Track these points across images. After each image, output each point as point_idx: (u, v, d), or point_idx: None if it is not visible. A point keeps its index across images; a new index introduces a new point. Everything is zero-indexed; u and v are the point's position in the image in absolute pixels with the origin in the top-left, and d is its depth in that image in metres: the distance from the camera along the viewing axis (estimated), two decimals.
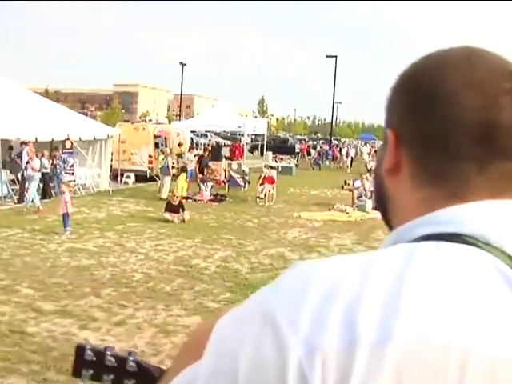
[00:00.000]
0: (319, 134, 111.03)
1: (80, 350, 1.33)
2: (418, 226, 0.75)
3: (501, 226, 0.72)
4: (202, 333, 0.78)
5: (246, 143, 35.13)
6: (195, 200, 18.81)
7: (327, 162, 42.94)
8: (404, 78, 0.84)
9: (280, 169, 28.18)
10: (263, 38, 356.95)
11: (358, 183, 20.96)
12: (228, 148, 32.03)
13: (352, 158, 42.07)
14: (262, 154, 36.45)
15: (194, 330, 1.00)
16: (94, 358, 1.31)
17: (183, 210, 14.89)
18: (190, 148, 25.65)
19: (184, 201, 15.97)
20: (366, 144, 63.78)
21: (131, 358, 1.31)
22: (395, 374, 0.62)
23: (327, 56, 53.05)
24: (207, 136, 41.42)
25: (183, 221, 14.60)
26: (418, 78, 0.81)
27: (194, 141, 33.27)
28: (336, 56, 51.82)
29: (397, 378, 0.62)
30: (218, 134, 43.15)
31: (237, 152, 29.33)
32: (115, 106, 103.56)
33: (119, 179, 22.26)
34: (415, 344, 0.63)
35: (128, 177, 23.31)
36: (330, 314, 0.65)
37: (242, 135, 34.36)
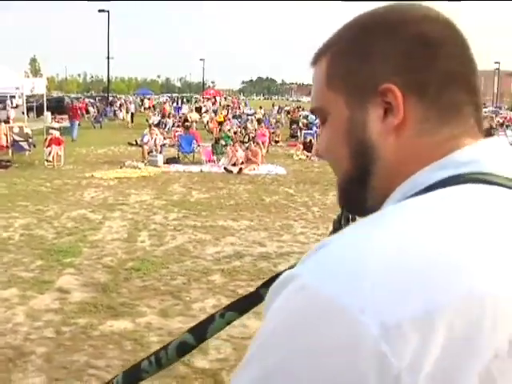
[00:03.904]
0: (93, 92, 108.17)
1: None
2: (436, 169, 0.77)
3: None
4: None
5: (17, 105, 33.08)
6: None
7: (106, 120, 42.13)
8: (392, 26, 0.82)
9: (62, 130, 27.12)
10: None
11: (146, 138, 20.99)
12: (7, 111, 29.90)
13: (132, 113, 41.74)
14: (37, 115, 34.65)
15: None
16: None
17: None
18: None
19: None
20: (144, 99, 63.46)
21: None
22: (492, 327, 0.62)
23: (99, 10, 51.74)
24: None
25: None
26: (415, 27, 0.81)
27: None
28: (108, 11, 50.74)
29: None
30: None
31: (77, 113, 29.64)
32: None
33: None
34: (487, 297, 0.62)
35: None
36: (394, 285, 0.62)
37: (14, 97, 32.33)
